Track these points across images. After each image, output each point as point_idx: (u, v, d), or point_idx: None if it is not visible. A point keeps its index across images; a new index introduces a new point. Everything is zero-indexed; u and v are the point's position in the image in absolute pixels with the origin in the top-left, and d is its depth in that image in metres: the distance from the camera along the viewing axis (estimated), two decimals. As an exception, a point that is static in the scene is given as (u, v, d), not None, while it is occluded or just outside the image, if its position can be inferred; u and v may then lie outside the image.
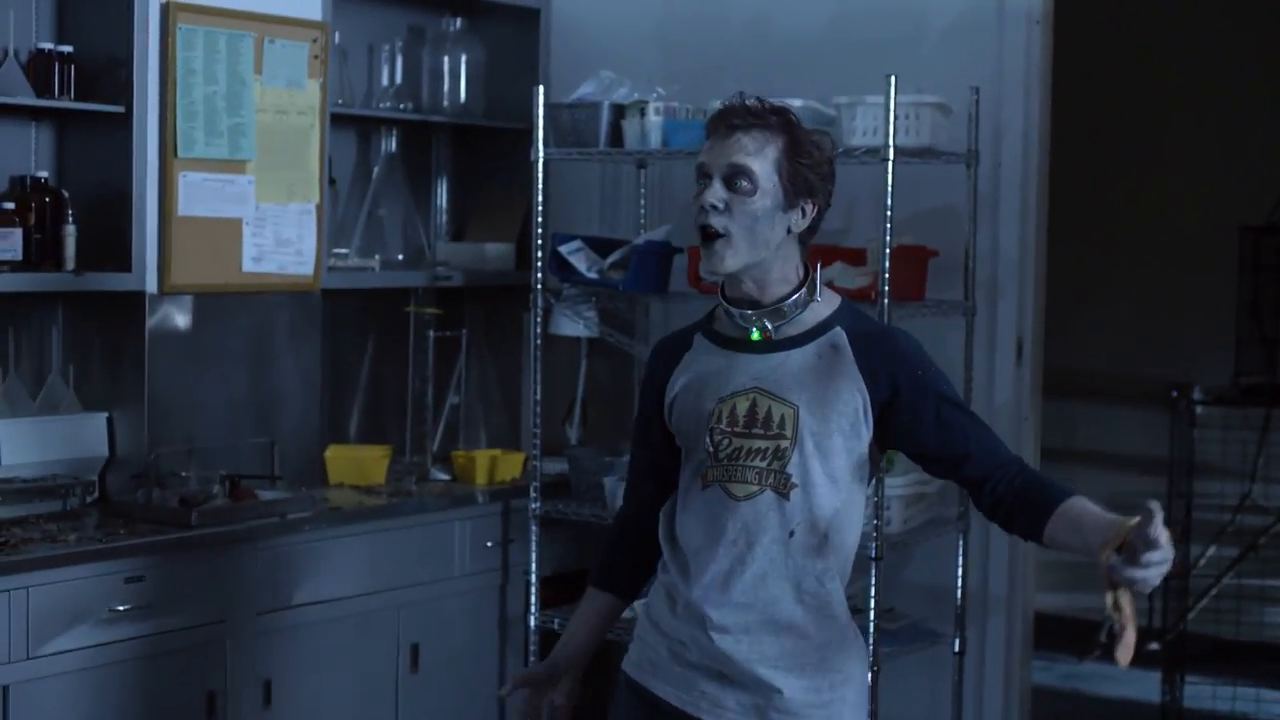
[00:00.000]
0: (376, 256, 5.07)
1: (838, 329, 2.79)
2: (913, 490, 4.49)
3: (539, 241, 4.79)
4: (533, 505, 4.76)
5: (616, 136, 4.74)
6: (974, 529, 4.63)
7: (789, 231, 2.77)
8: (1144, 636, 6.43)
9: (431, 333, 5.11)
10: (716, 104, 2.94)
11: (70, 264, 4.22)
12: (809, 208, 2.77)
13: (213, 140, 4.51)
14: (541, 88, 4.78)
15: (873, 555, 4.29)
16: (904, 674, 4.59)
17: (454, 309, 5.28)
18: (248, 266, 4.63)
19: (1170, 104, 7.24)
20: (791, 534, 2.73)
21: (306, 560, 4.31)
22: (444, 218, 5.45)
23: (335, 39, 4.85)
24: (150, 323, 4.42)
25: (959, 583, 4.63)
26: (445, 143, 5.42)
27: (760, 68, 5.00)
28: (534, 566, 4.76)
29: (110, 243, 4.32)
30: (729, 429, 2.76)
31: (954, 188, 4.66)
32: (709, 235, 2.74)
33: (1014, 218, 4.75)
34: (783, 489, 2.73)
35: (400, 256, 5.24)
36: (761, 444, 2.74)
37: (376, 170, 5.19)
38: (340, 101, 4.93)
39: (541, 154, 4.75)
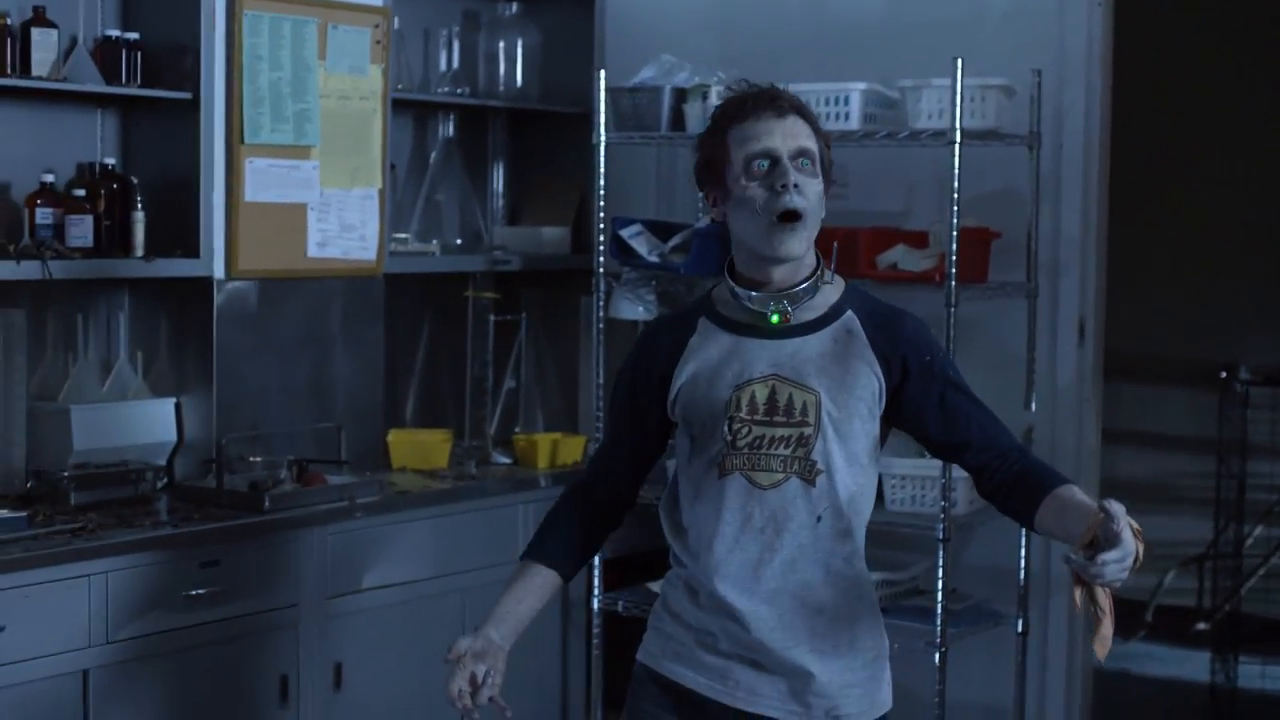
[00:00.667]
0: (435, 241, 5.09)
1: (849, 313, 2.78)
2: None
3: (600, 225, 4.80)
4: (595, 488, 4.76)
5: (677, 120, 4.75)
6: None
7: None
8: (1193, 616, 6.49)
9: (492, 317, 5.12)
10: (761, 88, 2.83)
11: (139, 250, 4.24)
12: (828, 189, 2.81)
13: (278, 126, 4.52)
14: (603, 71, 4.79)
15: (940, 537, 4.30)
16: (967, 654, 4.60)
17: (510, 293, 5.29)
18: (312, 252, 4.65)
19: (1222, 88, 7.19)
20: (819, 519, 2.73)
21: (374, 544, 4.33)
22: (500, 202, 5.46)
23: (395, 24, 4.86)
24: (217, 308, 4.45)
25: (1022, 564, 4.63)
26: (501, 127, 5.43)
27: (818, 51, 5.00)
28: (597, 549, 4.78)
29: (177, 229, 4.33)
30: (749, 417, 2.73)
31: (1015, 169, 4.66)
32: (792, 216, 2.71)
33: (1076, 199, 4.75)
34: (808, 476, 2.72)
35: (458, 241, 5.25)
36: (784, 431, 2.72)
37: (434, 155, 5.20)
38: (400, 87, 4.94)
39: (604, 138, 4.76)
